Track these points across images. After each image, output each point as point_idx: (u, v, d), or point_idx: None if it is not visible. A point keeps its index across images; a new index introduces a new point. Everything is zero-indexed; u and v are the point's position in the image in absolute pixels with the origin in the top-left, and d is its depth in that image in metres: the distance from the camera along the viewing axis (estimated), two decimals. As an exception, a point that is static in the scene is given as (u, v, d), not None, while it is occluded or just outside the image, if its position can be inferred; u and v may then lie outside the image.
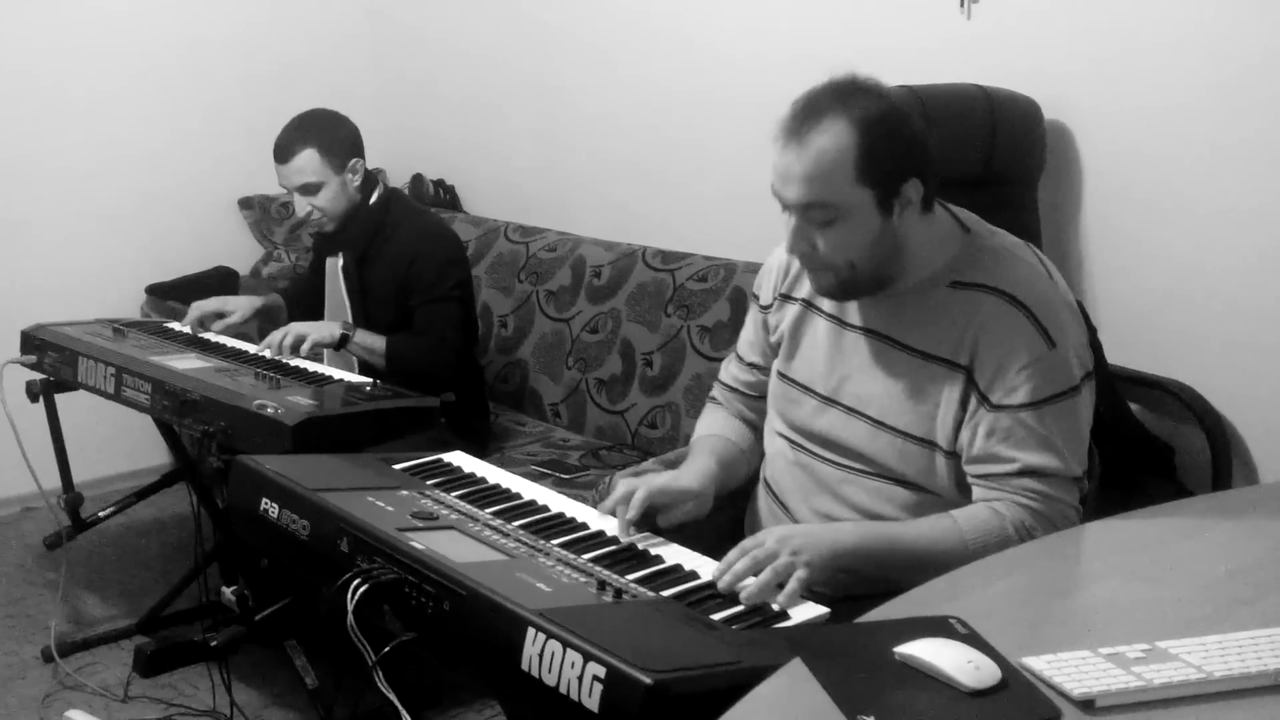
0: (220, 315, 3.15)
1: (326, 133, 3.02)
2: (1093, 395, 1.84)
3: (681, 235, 3.40)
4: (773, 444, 2.03)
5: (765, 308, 2.06)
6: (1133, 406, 2.57)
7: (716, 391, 2.19)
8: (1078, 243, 2.69)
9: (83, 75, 3.80)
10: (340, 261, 3.09)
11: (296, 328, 2.93)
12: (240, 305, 3.19)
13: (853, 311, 1.91)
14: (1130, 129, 2.58)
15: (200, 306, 3.16)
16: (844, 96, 1.76)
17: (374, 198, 3.06)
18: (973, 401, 1.79)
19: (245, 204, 4.10)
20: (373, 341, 2.94)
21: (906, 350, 1.85)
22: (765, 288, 2.07)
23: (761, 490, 2.06)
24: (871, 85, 1.79)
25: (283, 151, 3.00)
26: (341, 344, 2.93)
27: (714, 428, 2.12)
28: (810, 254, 1.81)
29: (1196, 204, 2.50)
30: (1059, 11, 2.64)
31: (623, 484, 1.89)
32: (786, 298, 2.01)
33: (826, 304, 1.94)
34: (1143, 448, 2.55)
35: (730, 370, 2.16)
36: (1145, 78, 2.53)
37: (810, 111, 1.75)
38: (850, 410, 1.89)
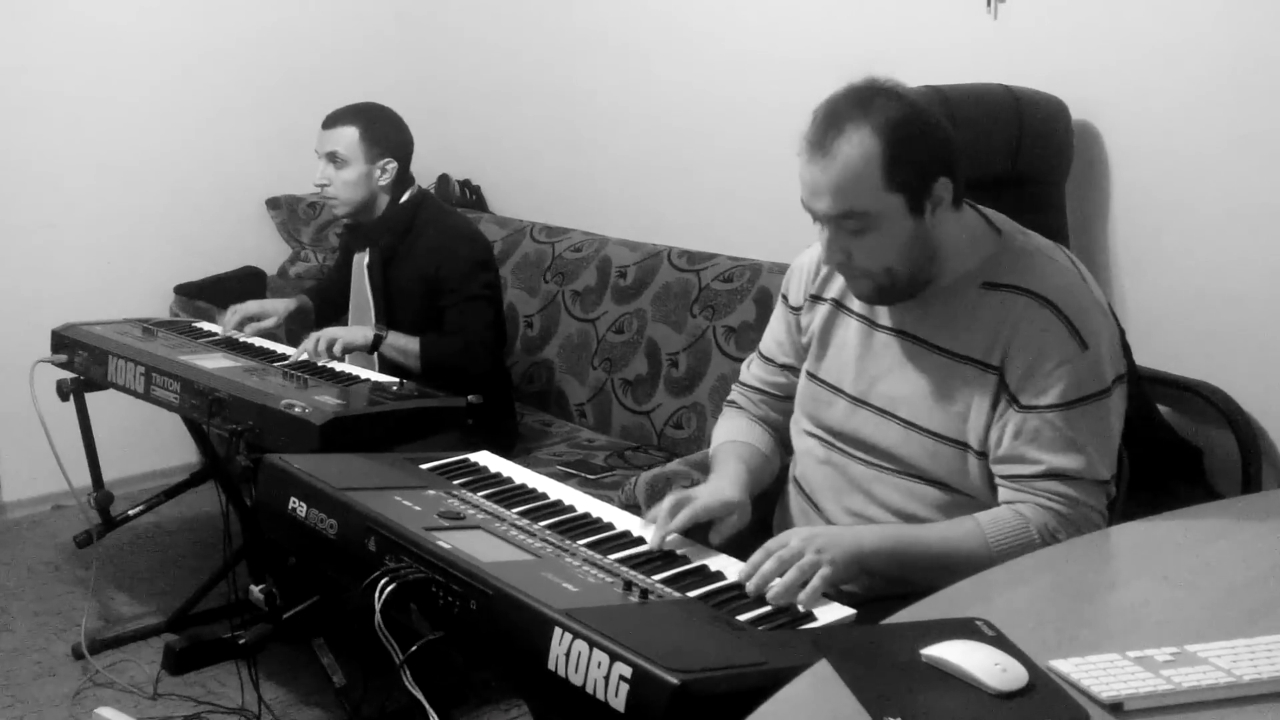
0: (258, 318, 3.15)
1: (376, 123, 3.05)
2: (1124, 399, 1.84)
3: (707, 236, 3.40)
4: (802, 443, 2.03)
5: (796, 309, 2.05)
6: (1161, 409, 2.56)
7: (736, 394, 2.17)
8: (1105, 243, 2.68)
9: (112, 77, 3.83)
10: (366, 258, 3.10)
11: (329, 332, 2.94)
12: (277, 308, 3.20)
13: (883, 312, 1.90)
14: (1158, 129, 2.56)
15: (240, 310, 3.16)
16: (864, 103, 1.74)
17: (405, 197, 3.07)
18: (1002, 402, 1.78)
19: (273, 204, 4.13)
20: (405, 343, 2.95)
21: (938, 351, 1.84)
22: (795, 288, 2.06)
23: (792, 489, 2.06)
24: (890, 87, 1.78)
25: (330, 119, 3.06)
26: (375, 346, 2.94)
27: (735, 433, 2.09)
28: (847, 263, 1.80)
29: (1224, 204, 2.49)
30: (1086, 11, 2.63)
31: (672, 497, 1.85)
32: (817, 298, 2.01)
33: (857, 304, 1.94)
34: (1172, 450, 2.53)
35: (754, 372, 2.15)
36: (1172, 77, 2.52)
37: (832, 121, 1.74)
38: (881, 411, 1.89)
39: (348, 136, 3.01)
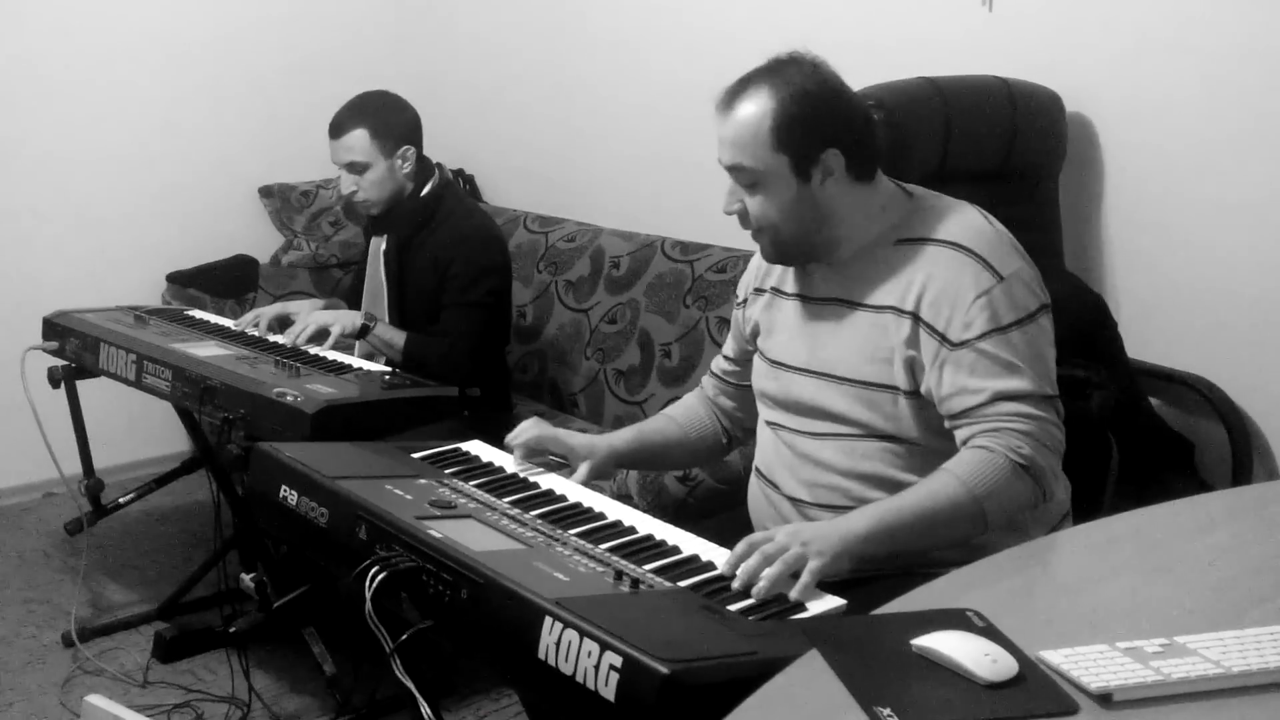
0: (283, 321, 3.06)
1: (382, 115, 3.02)
2: (1051, 328, 1.89)
3: (700, 226, 3.39)
4: (761, 435, 2.10)
5: (741, 304, 2.18)
6: (1152, 401, 2.56)
7: (704, 379, 2.29)
8: (1098, 235, 2.69)
9: (105, 65, 3.81)
10: (384, 244, 3.09)
11: (319, 317, 2.94)
12: (303, 310, 3.11)
13: (815, 285, 2.00)
14: (1152, 121, 2.56)
15: (262, 314, 3.08)
16: (776, 69, 1.89)
17: (427, 189, 3.05)
18: (932, 344, 1.84)
19: (265, 192, 4.11)
20: (392, 336, 2.94)
21: (862, 308, 1.93)
22: (742, 287, 2.20)
23: (753, 478, 2.11)
24: (807, 60, 1.90)
25: (336, 128, 3.02)
26: (362, 334, 2.94)
27: (675, 410, 2.26)
28: (743, 216, 1.93)
29: (1218, 197, 2.49)
30: (1081, 3, 2.63)
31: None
32: (759, 290, 2.13)
33: (790, 286, 2.04)
34: (1162, 442, 2.54)
35: (716, 361, 2.28)
36: (1167, 70, 2.52)
37: (743, 83, 1.90)
38: (821, 375, 1.96)
39: (360, 140, 2.98)
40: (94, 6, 3.77)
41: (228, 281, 3.92)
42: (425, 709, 1.65)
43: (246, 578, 2.69)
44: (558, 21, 3.84)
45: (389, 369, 2.76)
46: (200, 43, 3.97)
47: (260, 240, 4.09)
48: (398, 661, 1.60)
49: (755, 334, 2.11)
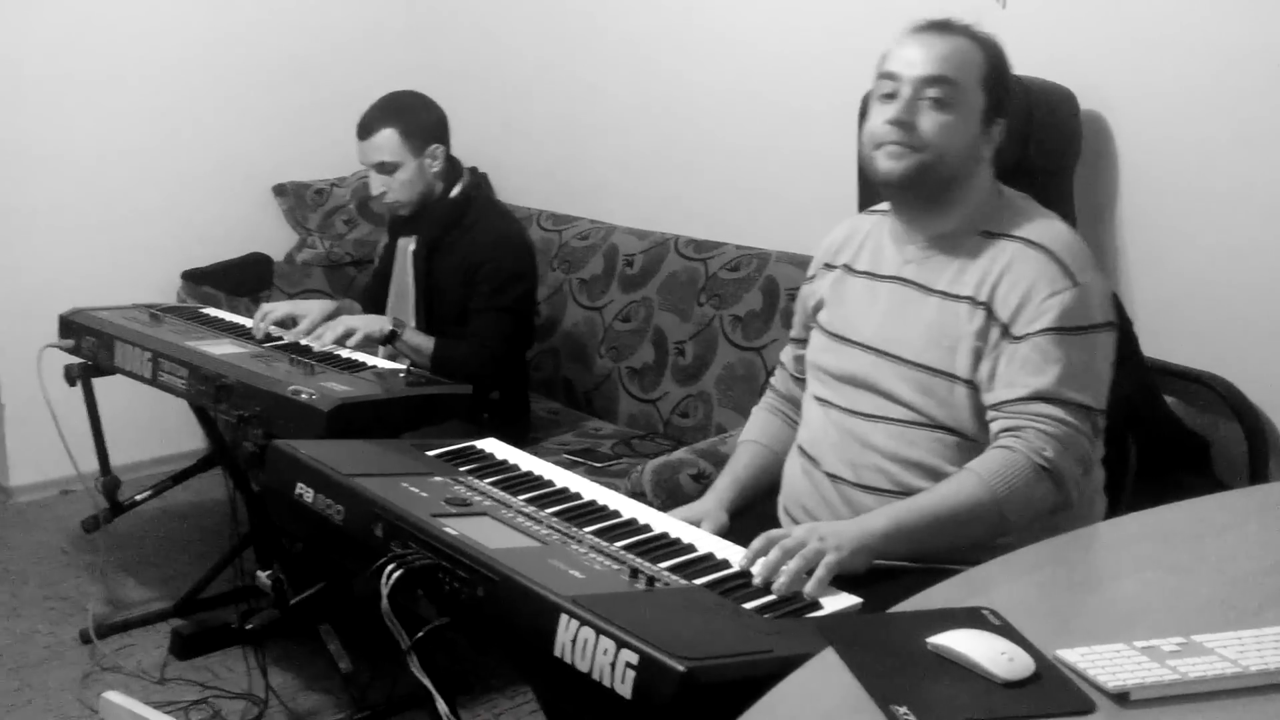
0: (293, 320, 3.03)
1: (410, 115, 3.02)
2: (1113, 347, 1.90)
3: (714, 225, 3.39)
4: (808, 412, 2.10)
5: (810, 279, 2.20)
6: (1168, 399, 2.55)
7: (775, 376, 2.28)
8: (1113, 233, 2.68)
9: (119, 63, 3.82)
10: (412, 245, 3.08)
11: (346, 321, 2.92)
12: (312, 310, 3.09)
13: (886, 264, 2.02)
14: (1167, 119, 2.55)
15: (271, 314, 3.04)
16: (970, 27, 1.97)
17: (456, 190, 3.05)
18: (995, 334, 1.87)
19: (279, 191, 4.12)
20: (420, 341, 2.93)
21: (934, 293, 1.94)
22: (813, 264, 2.21)
23: (794, 455, 2.11)
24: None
25: (365, 128, 3.02)
26: (390, 340, 2.93)
27: (752, 432, 2.23)
28: (912, 130, 1.91)
29: (1233, 195, 2.48)
30: (1095, 1, 2.62)
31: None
32: (829, 266, 2.14)
33: (863, 264, 2.06)
34: (1179, 441, 2.53)
35: (784, 353, 2.27)
36: (1182, 67, 2.51)
37: (946, 21, 1.96)
38: (881, 353, 1.97)
39: (389, 140, 2.98)
40: (108, 5, 3.78)
41: (242, 279, 3.92)
42: (442, 706, 1.65)
43: (263, 575, 2.70)
44: (570, 19, 3.84)
45: (404, 367, 2.77)
46: (215, 41, 3.98)
47: (274, 238, 4.10)
48: (414, 658, 1.60)
49: (818, 308, 2.13)
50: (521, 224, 3.25)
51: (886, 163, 1.93)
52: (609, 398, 3.36)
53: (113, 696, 2.67)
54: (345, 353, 2.87)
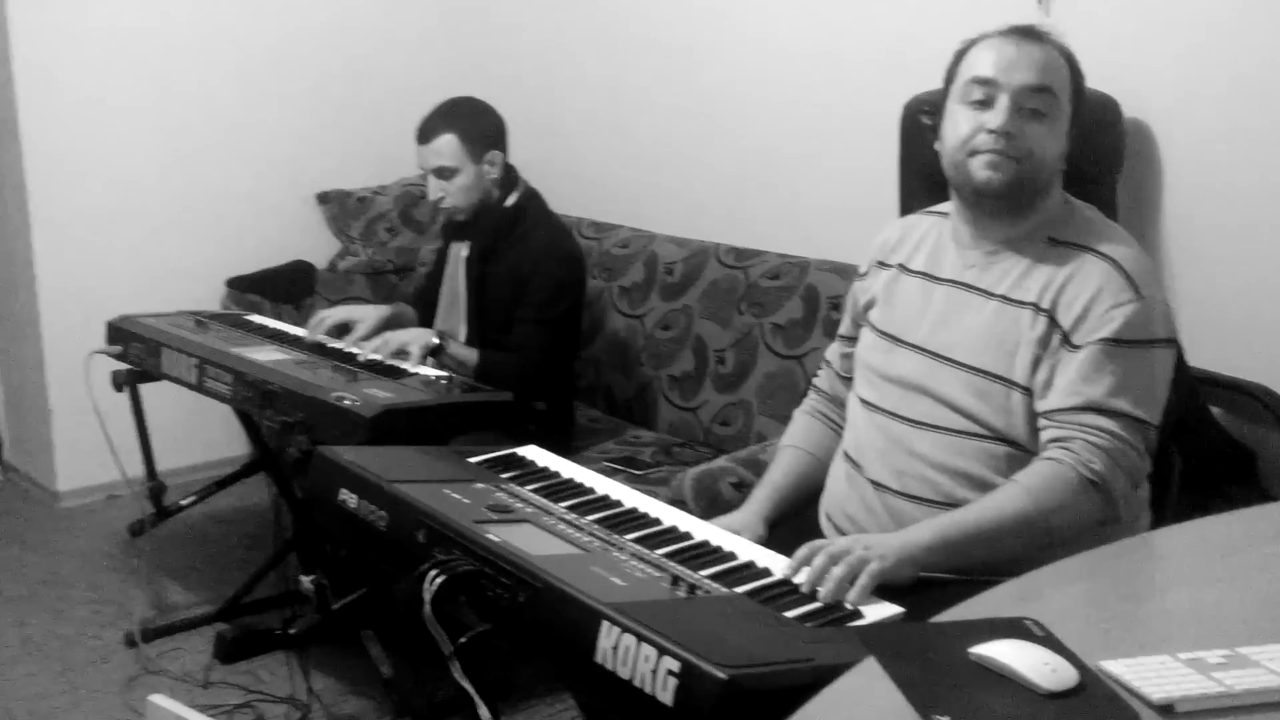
0: (347, 326, 3.07)
1: (469, 121, 3.04)
2: (1171, 365, 1.90)
3: (754, 233, 3.39)
4: (853, 415, 2.09)
5: (861, 276, 2.18)
6: (1214, 410, 2.53)
7: (820, 374, 2.26)
8: (1157, 242, 2.66)
9: (164, 73, 3.87)
10: (465, 251, 3.10)
11: (398, 338, 2.92)
12: (367, 316, 3.12)
13: (945, 266, 2.01)
14: (1211, 126, 2.53)
15: (328, 319, 3.09)
16: (1053, 35, 1.97)
17: (512, 199, 3.07)
18: (1055, 342, 1.86)
19: (323, 199, 4.16)
20: (465, 354, 2.95)
21: (994, 298, 1.93)
22: (865, 261, 2.19)
23: (838, 460, 2.10)
24: None
25: (425, 133, 3.04)
26: (435, 352, 2.94)
27: (793, 437, 2.21)
28: (1014, 140, 1.89)
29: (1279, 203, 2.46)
30: (1137, 8, 2.60)
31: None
32: (882, 264, 2.12)
33: (918, 264, 2.05)
34: (1224, 453, 2.51)
35: (831, 350, 2.26)
36: (1227, 74, 2.49)
37: (1033, 29, 1.96)
38: (936, 356, 1.95)
39: (449, 145, 3.00)
40: (153, 16, 3.82)
41: (286, 287, 3.96)
42: (484, 712, 1.66)
43: (306, 580, 2.71)
44: (613, 26, 3.85)
45: (446, 374, 2.78)
46: (258, 50, 4.02)
47: (317, 246, 4.13)
48: (457, 664, 1.62)
49: (869, 306, 2.11)
50: (574, 237, 3.25)
51: (984, 171, 1.91)
52: (649, 406, 3.36)
53: (158, 699, 2.70)
54: (387, 359, 2.89)
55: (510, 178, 3.10)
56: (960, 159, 1.93)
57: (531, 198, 3.13)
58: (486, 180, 3.04)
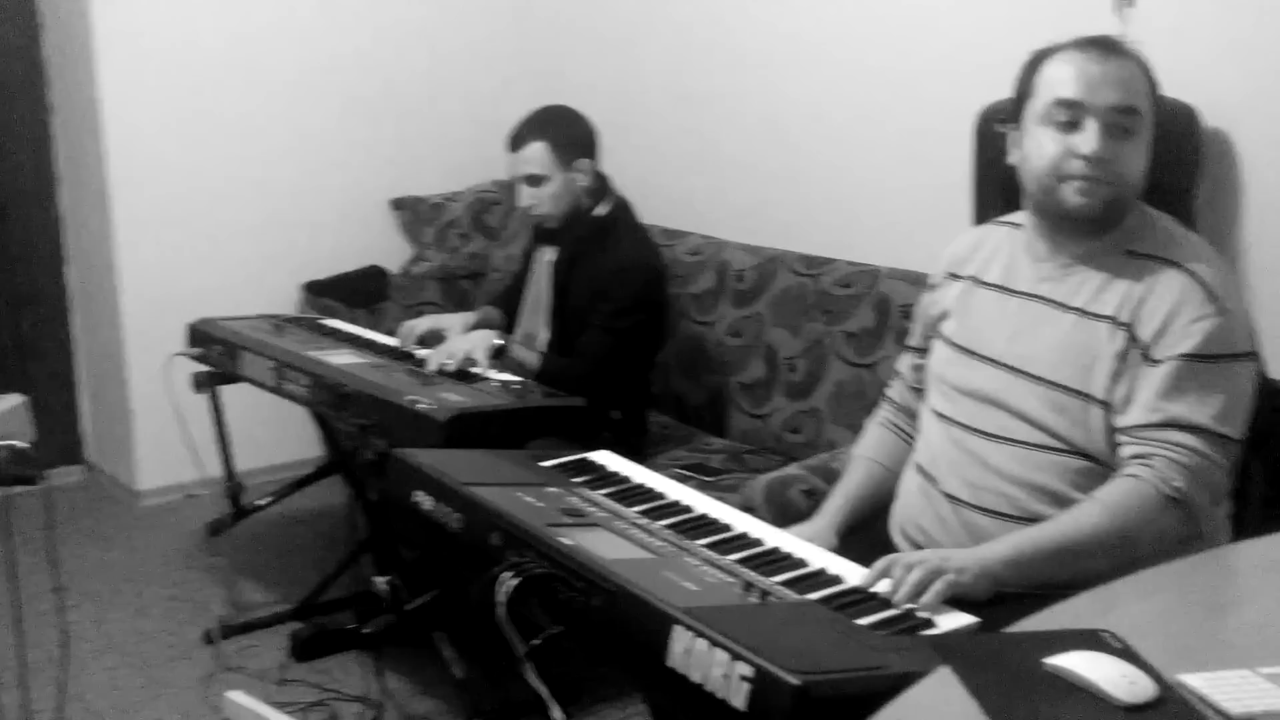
0: (435, 335, 3.08)
1: (560, 129, 3.06)
2: (1253, 378, 1.86)
3: (825, 241, 3.39)
4: (927, 428, 2.08)
5: (931, 288, 2.16)
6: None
7: (892, 386, 2.26)
8: (1237, 252, 2.62)
9: (243, 82, 3.94)
10: (553, 255, 3.12)
11: (461, 345, 2.92)
12: (454, 324, 3.15)
13: (1020, 279, 1.99)
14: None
15: (413, 327, 3.12)
16: (1129, 44, 1.93)
17: (602, 208, 3.08)
18: (1134, 356, 1.83)
19: (397, 205, 4.22)
20: (525, 356, 2.97)
21: (1070, 310, 1.91)
22: (936, 272, 2.17)
23: (909, 474, 2.09)
24: None
25: (516, 141, 3.06)
26: (498, 353, 2.96)
27: (865, 448, 2.21)
28: (1106, 164, 1.86)
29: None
30: (1218, 14, 2.57)
31: None
32: (954, 276, 2.10)
33: (992, 276, 2.03)
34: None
35: (902, 361, 2.25)
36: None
37: (1111, 40, 1.91)
38: (1013, 369, 1.93)
39: (539, 153, 3.01)
40: (232, 26, 3.89)
41: (360, 291, 4.02)
42: (558, 712, 1.68)
43: (380, 581, 2.75)
44: (685, 34, 3.86)
45: (519, 379, 2.81)
46: (333, 60, 4.07)
47: (391, 251, 4.19)
48: (531, 665, 1.63)
49: (941, 318, 2.09)
50: (659, 252, 3.23)
51: (1076, 198, 1.88)
52: (719, 412, 3.37)
53: (236, 696, 2.76)
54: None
55: (601, 186, 3.11)
56: (1050, 184, 1.90)
57: (622, 209, 3.13)
58: (576, 188, 3.05)
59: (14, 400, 2.10)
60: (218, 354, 3.08)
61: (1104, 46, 1.89)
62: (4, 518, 2.19)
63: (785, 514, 2.58)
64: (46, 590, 2.62)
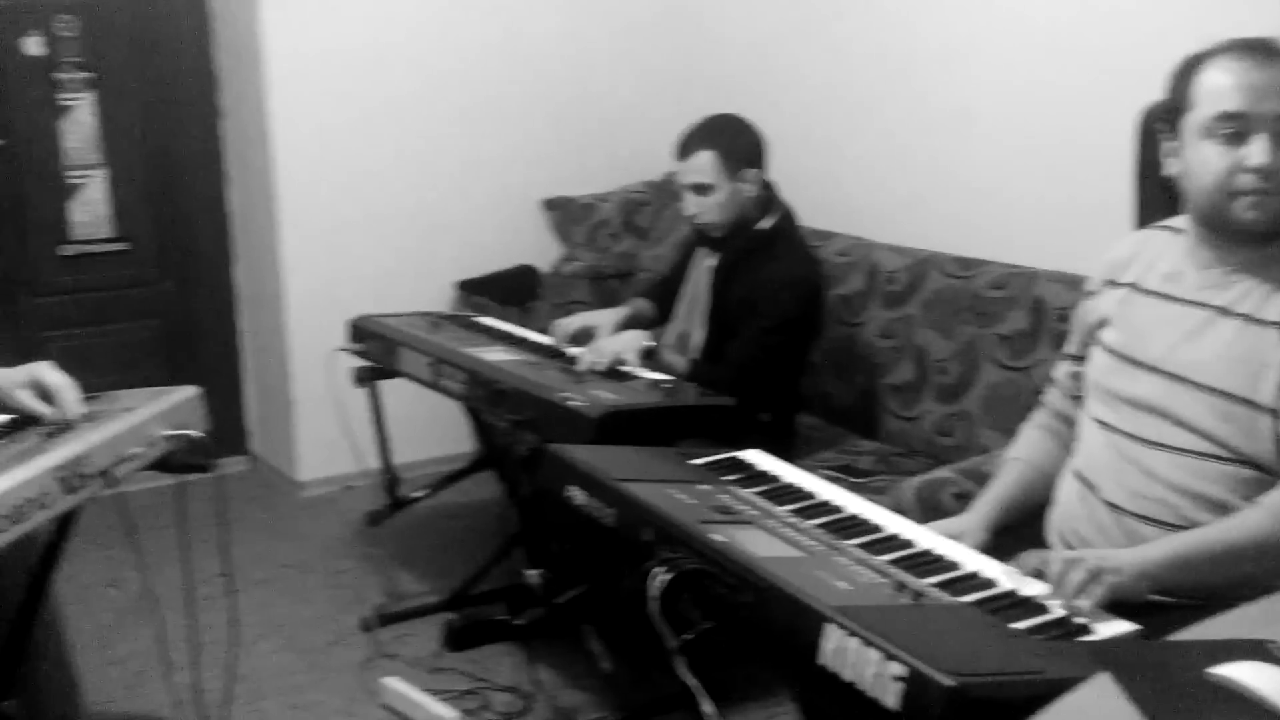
0: (586, 332, 3.12)
1: (728, 138, 3.06)
2: None
3: (979, 242, 3.34)
4: (1087, 435, 2.04)
5: (1090, 295, 2.12)
6: None
7: (1050, 392, 2.23)
8: None
9: (402, 90, 4.03)
10: (713, 261, 3.12)
11: (611, 346, 2.95)
12: (604, 321, 3.19)
13: (1184, 286, 1.94)
14: None
15: (567, 325, 3.16)
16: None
17: (767, 221, 3.07)
18: None
19: (549, 205, 4.29)
20: (674, 360, 2.99)
21: (1235, 316, 1.86)
22: (1094, 279, 2.13)
23: (1068, 480, 2.06)
24: None
25: (684, 149, 3.08)
26: (647, 356, 2.97)
27: (1020, 450, 2.18)
28: (1278, 172, 1.80)
29: None
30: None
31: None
32: (1112, 283, 2.06)
33: (1152, 283, 1.98)
34: None
35: (1060, 369, 2.21)
36: None
37: (1268, 42, 1.83)
38: (1176, 377, 1.89)
39: (707, 162, 3.02)
40: (390, 32, 3.98)
41: (512, 290, 4.10)
42: (709, 706, 1.69)
43: (532, 574, 2.80)
44: (835, 33, 3.84)
45: (670, 378, 2.83)
46: (487, 63, 4.14)
47: (543, 251, 4.26)
48: (682, 659, 1.65)
49: (1100, 325, 2.06)
50: (819, 270, 3.19)
51: (1249, 213, 1.83)
52: (868, 414, 3.35)
53: (392, 682, 2.84)
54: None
55: (768, 196, 3.10)
56: (1219, 200, 1.84)
57: (786, 221, 3.12)
58: (743, 198, 3.05)
59: (189, 392, 2.18)
60: (376, 350, 3.16)
61: (1264, 51, 1.82)
62: (181, 504, 2.30)
63: (936, 517, 2.56)
64: (213, 575, 2.73)
